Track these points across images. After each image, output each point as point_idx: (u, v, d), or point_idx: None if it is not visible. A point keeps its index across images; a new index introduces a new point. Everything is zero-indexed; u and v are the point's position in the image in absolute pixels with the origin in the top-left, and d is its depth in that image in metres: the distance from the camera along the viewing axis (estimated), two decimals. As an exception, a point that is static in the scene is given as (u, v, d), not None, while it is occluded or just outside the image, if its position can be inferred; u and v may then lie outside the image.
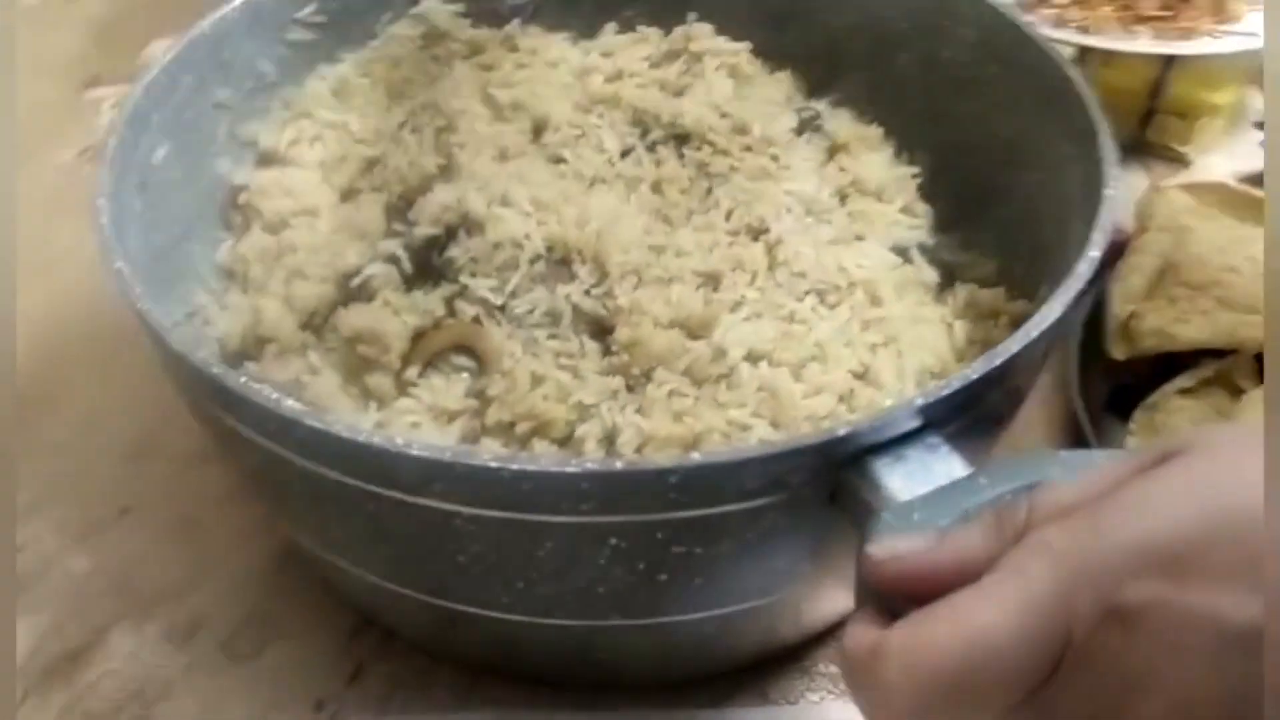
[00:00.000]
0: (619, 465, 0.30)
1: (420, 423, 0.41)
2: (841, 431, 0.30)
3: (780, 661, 0.43)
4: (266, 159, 0.51)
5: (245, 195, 0.49)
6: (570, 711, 0.41)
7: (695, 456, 0.30)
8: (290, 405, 0.31)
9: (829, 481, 0.31)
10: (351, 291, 0.44)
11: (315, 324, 0.45)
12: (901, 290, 0.44)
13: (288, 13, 0.51)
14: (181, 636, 0.44)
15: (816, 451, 0.30)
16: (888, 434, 0.31)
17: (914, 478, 0.30)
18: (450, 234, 0.44)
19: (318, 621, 0.44)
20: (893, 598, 0.26)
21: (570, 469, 0.29)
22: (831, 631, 0.43)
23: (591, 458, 0.35)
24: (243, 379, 0.32)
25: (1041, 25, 0.62)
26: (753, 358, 0.40)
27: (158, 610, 0.44)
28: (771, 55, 0.54)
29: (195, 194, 0.48)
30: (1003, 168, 0.48)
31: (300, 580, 0.45)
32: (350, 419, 0.40)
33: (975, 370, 0.31)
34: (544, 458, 0.30)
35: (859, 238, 0.46)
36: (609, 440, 0.39)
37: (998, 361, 0.32)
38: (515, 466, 0.29)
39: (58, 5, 0.77)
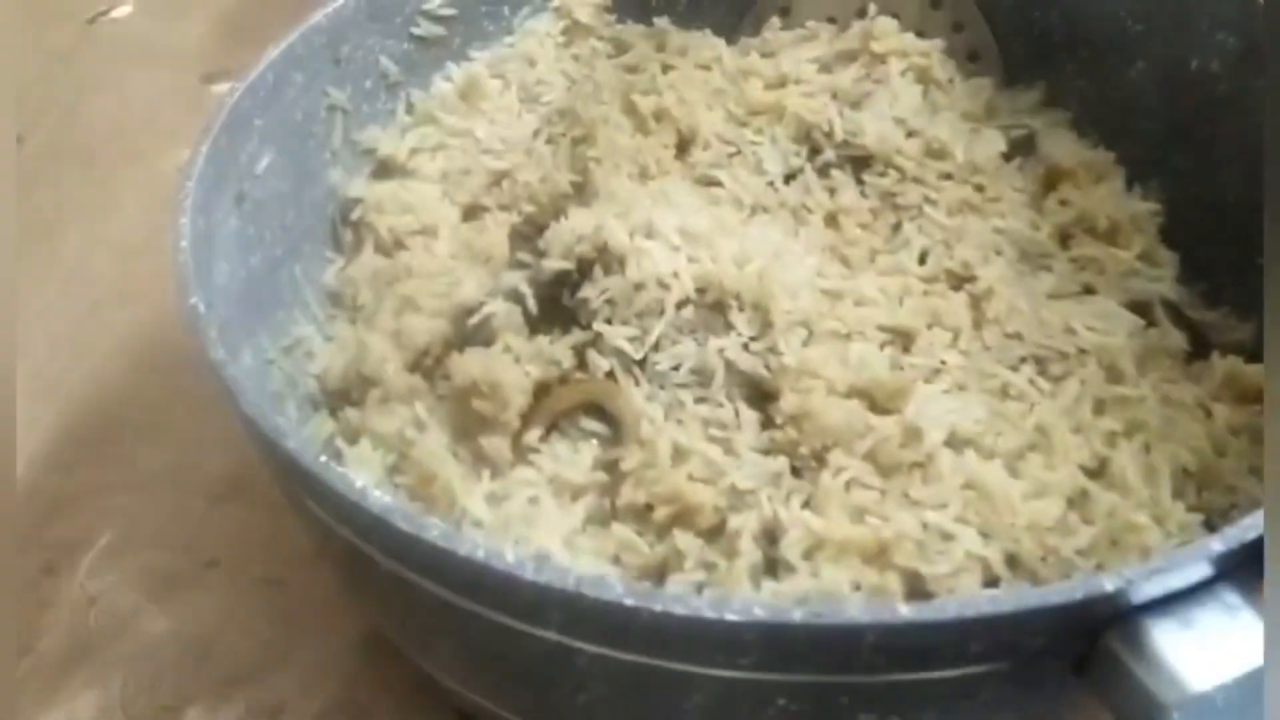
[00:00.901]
0: (796, 616, 0.22)
1: (539, 497, 0.34)
2: (1110, 586, 0.22)
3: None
4: (385, 169, 0.45)
5: (359, 210, 0.44)
6: None
7: (902, 611, 0.22)
8: (377, 499, 0.25)
9: (1079, 646, 0.23)
10: (468, 332, 0.38)
11: (426, 366, 0.38)
12: (1145, 361, 0.35)
13: (414, 3, 0.45)
14: (260, 724, 0.38)
15: (1072, 612, 0.22)
16: (1170, 587, 0.23)
17: (1209, 653, 0.22)
18: (584, 269, 0.37)
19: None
20: None
21: (730, 617, 0.22)
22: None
23: (758, 602, 0.27)
24: (323, 459, 0.26)
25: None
26: (955, 442, 0.32)
27: (236, 691, 0.38)
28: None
29: (302, 208, 0.42)
30: (1266, 207, 0.39)
31: (392, 666, 0.39)
32: (459, 488, 0.34)
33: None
34: (694, 598, 0.22)
35: (1088, 290, 0.37)
36: (769, 538, 0.31)
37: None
38: (658, 608, 0.22)
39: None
